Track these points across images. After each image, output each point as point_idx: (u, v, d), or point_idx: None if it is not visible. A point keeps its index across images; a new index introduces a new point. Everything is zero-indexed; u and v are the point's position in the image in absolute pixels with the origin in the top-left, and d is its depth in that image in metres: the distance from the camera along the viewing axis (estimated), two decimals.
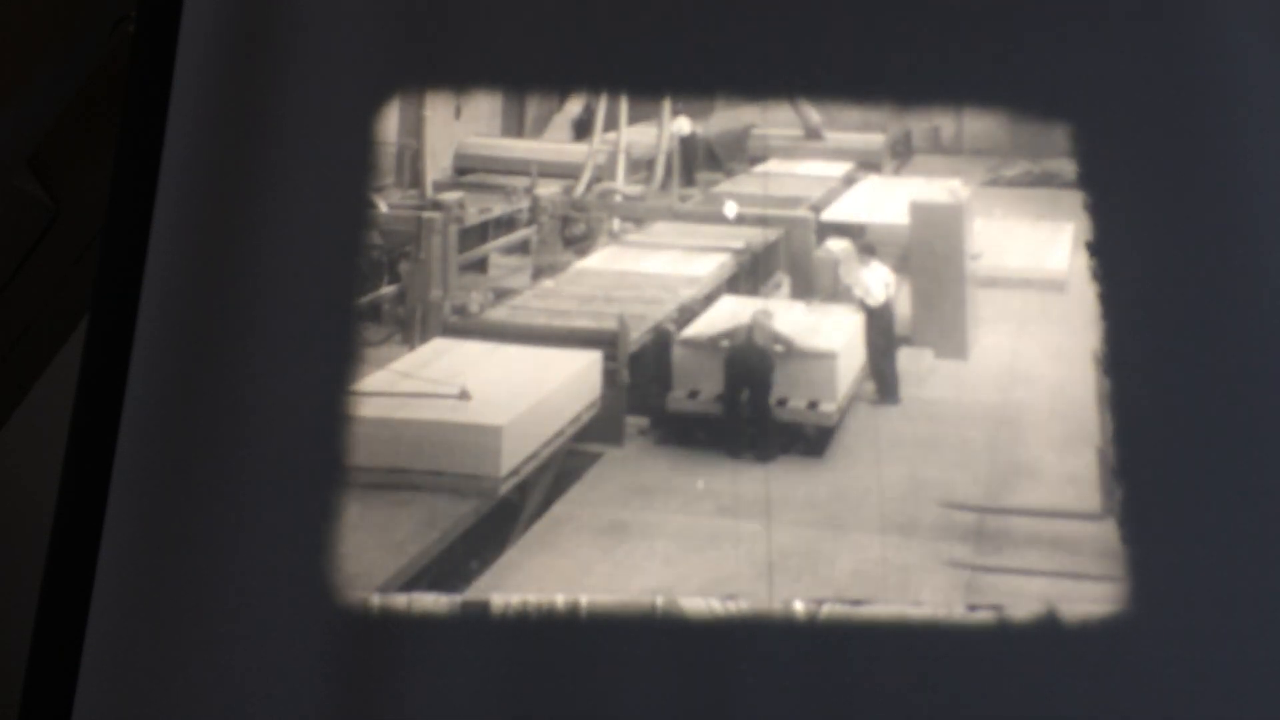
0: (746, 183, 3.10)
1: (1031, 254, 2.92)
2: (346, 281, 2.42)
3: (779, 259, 3.13)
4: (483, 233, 3.16)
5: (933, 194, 2.91)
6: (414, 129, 2.88)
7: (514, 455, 2.54)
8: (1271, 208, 2.46)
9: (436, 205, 3.02)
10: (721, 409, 2.71)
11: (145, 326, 2.32)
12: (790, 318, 2.83)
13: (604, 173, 3.26)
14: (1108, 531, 2.32)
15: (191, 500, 2.23)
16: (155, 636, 2.16)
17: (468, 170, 3.31)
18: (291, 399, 2.31)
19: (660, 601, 2.25)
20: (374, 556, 2.27)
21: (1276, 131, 2.50)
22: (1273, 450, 2.33)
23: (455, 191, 3.12)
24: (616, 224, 3.28)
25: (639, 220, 3.29)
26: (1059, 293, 2.73)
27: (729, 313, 2.90)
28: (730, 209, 2.96)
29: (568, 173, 3.25)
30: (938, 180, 2.91)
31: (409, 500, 2.40)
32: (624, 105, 3.08)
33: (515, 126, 3.30)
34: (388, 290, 2.73)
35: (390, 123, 2.61)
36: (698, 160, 3.28)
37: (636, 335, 2.81)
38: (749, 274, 3.13)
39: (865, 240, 2.97)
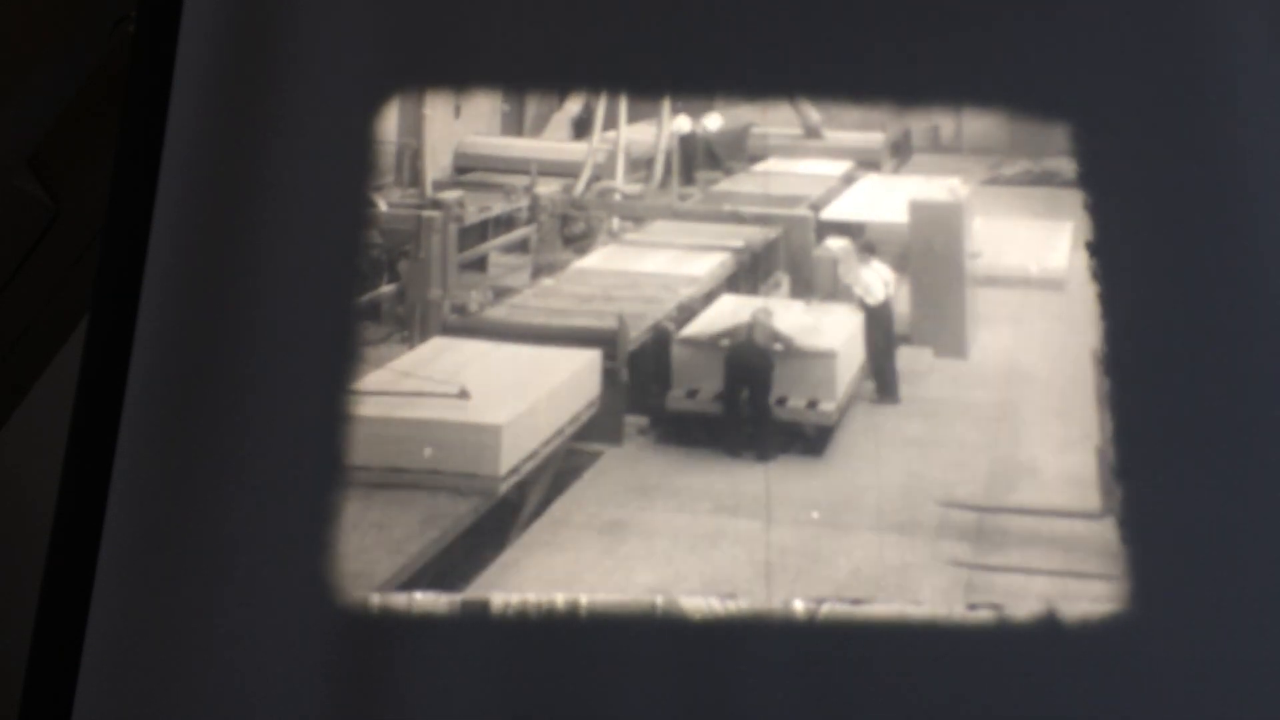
0: (746, 181, 3.10)
1: (1031, 253, 2.92)
2: (346, 280, 2.42)
3: (779, 258, 3.13)
4: (482, 231, 3.16)
5: (932, 193, 2.91)
6: (414, 128, 2.88)
7: (513, 454, 2.55)
8: (1271, 207, 2.46)
9: (436, 204, 3.02)
10: (721, 408, 2.71)
11: (145, 326, 2.31)
12: (790, 316, 2.84)
13: (603, 171, 3.27)
14: (1107, 531, 2.32)
15: (191, 500, 2.23)
16: (155, 636, 2.16)
17: (467, 169, 3.31)
18: (291, 398, 2.30)
19: (660, 601, 2.25)
20: (373, 556, 2.27)
21: (1277, 131, 2.50)
22: (1273, 450, 2.33)
23: (455, 190, 3.12)
24: (616, 223, 3.28)
25: (638, 219, 3.29)
26: (1058, 292, 2.73)
27: (728, 311, 2.90)
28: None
29: (567, 171, 3.26)
30: (937, 179, 2.91)
31: (408, 499, 2.40)
32: (623, 104, 3.08)
33: (515, 125, 3.30)
34: (387, 289, 2.74)
35: (390, 122, 2.61)
36: (697, 159, 3.28)
37: (636, 334, 2.81)
38: (748, 273, 3.14)
39: (865, 239, 2.97)
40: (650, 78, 2.66)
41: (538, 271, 3.11)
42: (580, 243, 3.21)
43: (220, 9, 2.49)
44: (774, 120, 2.79)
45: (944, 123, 2.93)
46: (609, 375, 2.74)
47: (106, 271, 2.40)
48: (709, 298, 3.04)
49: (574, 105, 3.20)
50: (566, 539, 2.43)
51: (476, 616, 2.23)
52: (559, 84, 2.85)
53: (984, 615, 2.26)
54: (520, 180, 3.23)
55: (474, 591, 2.27)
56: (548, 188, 3.22)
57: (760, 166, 2.99)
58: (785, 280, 3.08)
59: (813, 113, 2.78)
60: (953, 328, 2.84)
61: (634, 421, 2.69)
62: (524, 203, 3.19)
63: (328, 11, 2.51)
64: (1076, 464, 2.41)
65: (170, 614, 2.18)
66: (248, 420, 2.28)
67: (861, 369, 2.78)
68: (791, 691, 2.18)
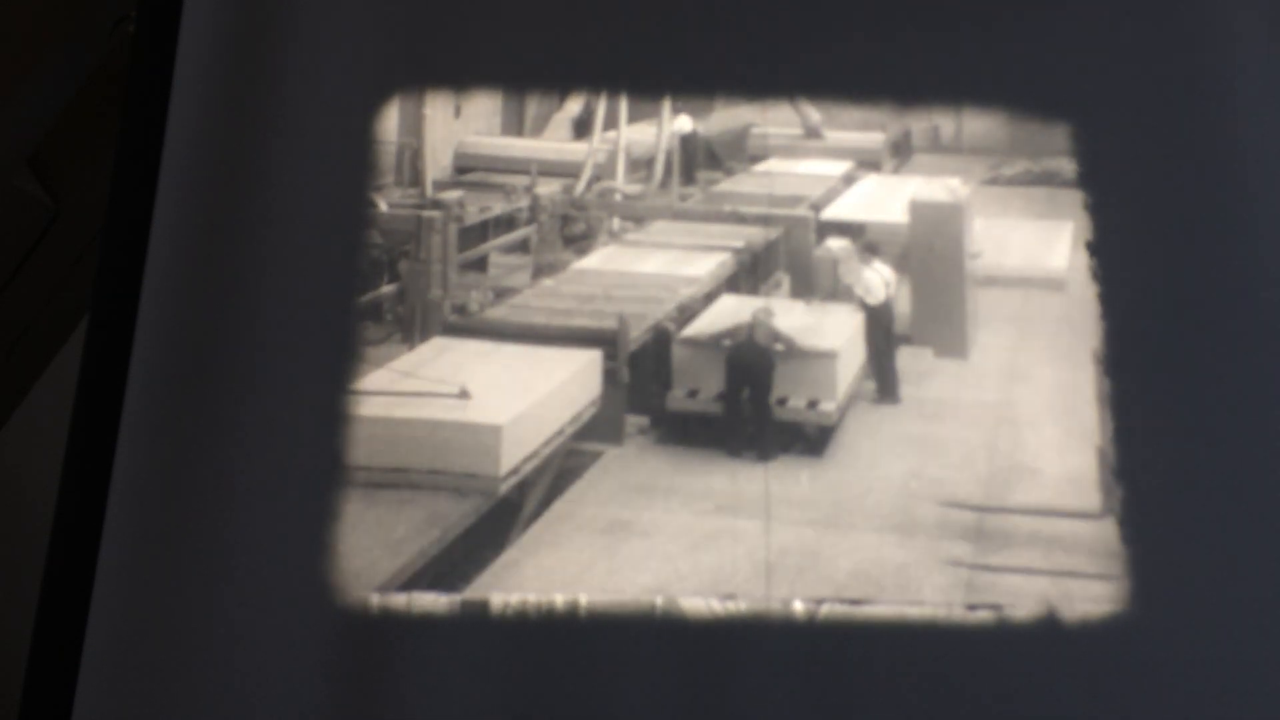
0: (746, 181, 3.10)
1: (1031, 253, 2.91)
2: (346, 280, 2.42)
3: (779, 258, 3.13)
4: (483, 232, 3.16)
5: (932, 193, 2.91)
6: (414, 128, 2.88)
7: (514, 454, 2.54)
8: (1271, 207, 2.46)
9: (436, 204, 3.02)
10: (721, 408, 2.71)
11: (145, 326, 2.32)
12: (790, 317, 2.83)
13: (604, 171, 3.26)
14: (1108, 531, 2.32)
15: (191, 500, 2.23)
16: (155, 637, 2.17)
17: (468, 169, 3.31)
18: (292, 398, 2.31)
19: (660, 601, 2.25)
20: (373, 556, 2.27)
21: (1277, 131, 2.50)
22: (1273, 450, 2.32)
23: (455, 190, 3.12)
24: (616, 223, 3.28)
25: (639, 219, 3.29)
26: (1059, 292, 2.73)
27: (729, 311, 2.90)
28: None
29: (567, 171, 3.26)
30: (937, 179, 2.91)
31: (409, 499, 2.40)
32: (624, 104, 3.08)
33: (515, 125, 3.30)
34: (388, 289, 2.73)
35: (390, 122, 2.61)
36: (698, 159, 3.28)
37: (636, 334, 2.81)
38: (749, 273, 3.14)
39: (865, 239, 2.97)
40: (650, 78, 2.66)
41: (538, 272, 3.11)
42: (581, 243, 3.20)
43: (220, 9, 2.49)
44: (774, 120, 2.79)
45: (944, 123, 2.93)
46: (609, 375, 2.74)
47: (106, 271, 2.40)
48: (709, 298, 3.04)
49: (574, 105, 3.20)
50: (566, 539, 2.43)
51: (476, 617, 2.23)
52: (559, 84, 2.85)
53: (984, 615, 2.26)
54: (520, 180, 3.23)
55: (474, 591, 2.27)
56: (548, 188, 3.21)
57: (760, 166, 2.98)
58: (786, 280, 3.08)
59: (813, 113, 2.78)
60: (953, 328, 2.84)
61: (634, 421, 2.69)
62: (524, 203, 3.19)
63: (328, 11, 2.51)
64: (1076, 464, 2.41)
65: (170, 614, 2.18)
66: (248, 420, 2.28)
67: (862, 369, 2.78)
68: (791, 691, 2.18)
